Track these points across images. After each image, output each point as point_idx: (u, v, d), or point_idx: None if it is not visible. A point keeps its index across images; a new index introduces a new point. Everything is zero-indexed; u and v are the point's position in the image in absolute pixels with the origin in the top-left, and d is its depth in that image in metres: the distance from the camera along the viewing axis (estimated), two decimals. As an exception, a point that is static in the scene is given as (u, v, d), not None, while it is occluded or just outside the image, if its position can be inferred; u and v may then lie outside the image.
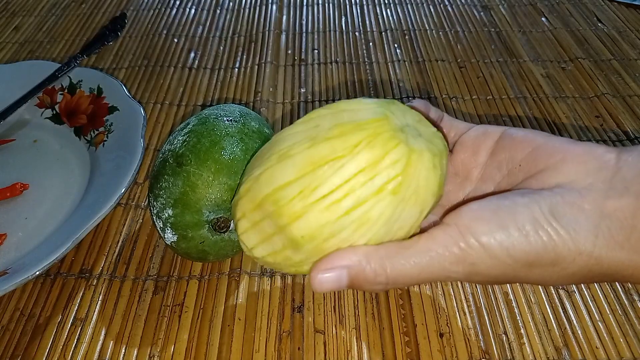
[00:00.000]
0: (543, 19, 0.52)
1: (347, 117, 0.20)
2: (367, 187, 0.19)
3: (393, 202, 0.19)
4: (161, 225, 0.26)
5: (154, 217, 0.27)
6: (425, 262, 0.19)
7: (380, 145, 0.19)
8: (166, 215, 0.26)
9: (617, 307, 0.28)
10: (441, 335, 0.27)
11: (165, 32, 0.51)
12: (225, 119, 0.28)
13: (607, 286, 0.29)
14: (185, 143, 0.26)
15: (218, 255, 0.27)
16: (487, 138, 0.23)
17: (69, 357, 0.27)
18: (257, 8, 0.55)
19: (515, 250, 0.18)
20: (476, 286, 0.29)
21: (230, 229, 0.26)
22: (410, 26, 0.51)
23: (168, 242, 0.27)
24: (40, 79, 0.39)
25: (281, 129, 0.40)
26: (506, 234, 0.18)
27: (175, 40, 0.50)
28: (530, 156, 0.21)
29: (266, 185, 0.20)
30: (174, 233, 0.26)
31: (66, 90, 0.40)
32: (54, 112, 0.40)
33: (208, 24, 0.52)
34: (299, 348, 0.26)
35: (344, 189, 0.19)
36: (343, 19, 0.52)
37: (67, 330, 0.28)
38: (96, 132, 0.37)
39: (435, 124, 0.25)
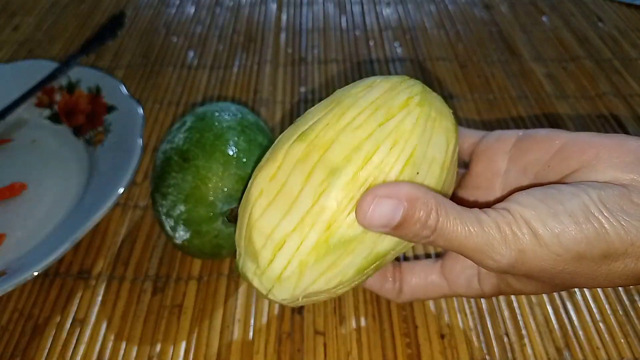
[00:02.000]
0: (544, 18, 0.52)
1: (379, 79, 0.21)
2: (393, 100, 0.19)
3: (422, 114, 0.19)
4: (172, 224, 0.26)
5: (164, 217, 0.26)
6: (476, 231, 0.18)
7: (395, 79, 0.20)
8: (178, 212, 0.25)
9: (618, 308, 0.28)
10: (442, 336, 0.27)
11: (164, 30, 0.51)
12: (223, 113, 0.28)
13: (608, 287, 0.29)
14: (188, 139, 0.26)
15: (232, 248, 0.27)
16: (501, 143, 0.22)
17: (68, 358, 0.26)
18: (257, 6, 0.54)
19: (565, 237, 0.17)
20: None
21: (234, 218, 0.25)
22: (410, 25, 0.51)
23: (179, 241, 0.26)
24: (39, 78, 0.39)
25: (281, 127, 0.40)
26: (557, 220, 0.17)
27: (174, 38, 0.50)
28: (560, 155, 0.20)
29: (289, 137, 0.20)
30: (187, 230, 0.26)
31: (65, 90, 0.40)
32: (53, 111, 0.40)
33: (207, 22, 0.52)
34: (298, 350, 0.26)
35: (372, 107, 0.19)
36: (343, 18, 0.52)
37: (66, 331, 0.28)
38: (95, 132, 0.37)
39: None
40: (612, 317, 0.28)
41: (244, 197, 0.21)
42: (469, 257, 0.19)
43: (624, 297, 0.28)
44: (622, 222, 0.17)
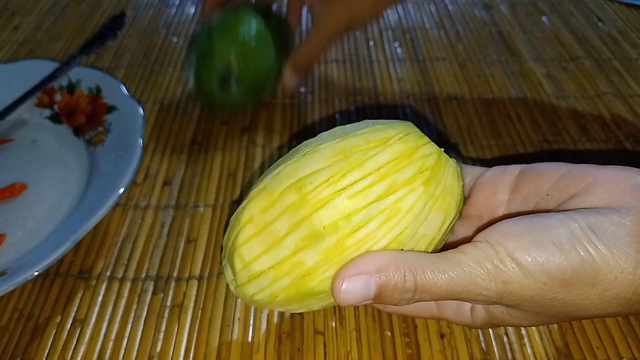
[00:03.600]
0: (544, 18, 0.52)
1: (373, 123, 0.20)
2: (400, 173, 0.18)
3: (424, 195, 0.19)
4: (189, 74, 0.37)
5: (187, 68, 0.37)
6: (456, 275, 0.18)
7: (413, 140, 0.19)
8: (194, 65, 0.36)
9: (618, 308, 0.28)
10: (442, 336, 0.27)
11: (164, 31, 0.51)
12: (251, 18, 0.36)
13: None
14: (215, 22, 0.36)
15: (221, 106, 0.39)
16: (505, 175, 0.22)
17: (69, 358, 0.26)
18: (257, 7, 0.54)
19: (550, 266, 0.17)
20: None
21: (231, 86, 0.35)
22: (410, 25, 0.51)
23: (190, 85, 0.38)
24: (40, 78, 0.39)
25: (281, 128, 0.40)
26: (541, 249, 0.17)
27: (175, 39, 0.50)
28: (558, 184, 0.20)
29: (288, 177, 0.19)
30: (194, 81, 0.36)
31: (65, 90, 0.40)
32: (53, 111, 0.40)
33: (208, 23, 0.52)
34: (298, 349, 0.26)
35: (376, 175, 0.18)
36: (343, 18, 0.52)
37: (67, 331, 0.28)
38: (95, 132, 0.37)
39: None
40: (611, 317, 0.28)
41: (239, 208, 0.21)
42: (460, 299, 0.19)
43: (624, 297, 0.28)
44: (613, 249, 0.17)
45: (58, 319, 0.28)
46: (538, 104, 0.42)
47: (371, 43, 0.49)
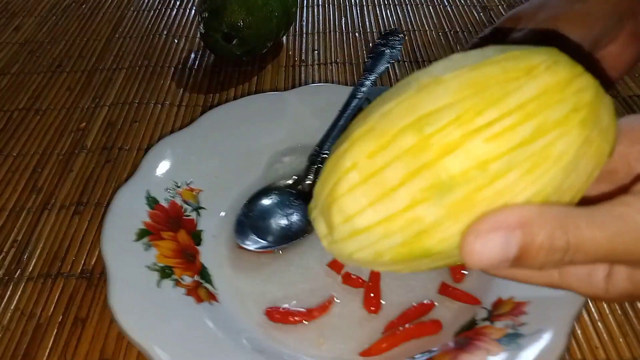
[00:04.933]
0: (543, 19, 0.52)
1: (505, 49, 0.16)
2: (552, 111, 0.15)
3: (579, 138, 0.15)
4: (201, 19, 0.42)
5: (199, 16, 0.42)
6: (618, 229, 0.15)
7: (565, 70, 0.15)
8: (204, 15, 0.41)
9: (617, 307, 0.28)
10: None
11: (165, 32, 0.51)
12: None
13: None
14: None
15: (223, 53, 0.43)
16: None
17: (70, 358, 0.27)
18: (257, 9, 0.55)
19: None
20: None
21: (233, 42, 0.41)
22: (409, 27, 0.51)
23: (201, 30, 0.42)
24: (329, 102, 0.37)
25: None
26: None
27: (176, 40, 0.50)
28: None
29: (404, 116, 0.15)
30: (204, 27, 0.42)
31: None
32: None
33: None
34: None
35: (521, 113, 0.14)
36: (343, 20, 0.53)
37: (68, 331, 0.28)
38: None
39: None
40: (610, 317, 0.28)
41: (337, 150, 0.17)
42: (619, 262, 0.16)
43: (623, 297, 0.29)
44: None
45: (59, 319, 0.28)
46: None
47: (371, 45, 0.49)
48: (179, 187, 0.32)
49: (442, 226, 0.15)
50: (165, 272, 0.28)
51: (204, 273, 0.29)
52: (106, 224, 0.29)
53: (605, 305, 0.28)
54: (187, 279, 0.28)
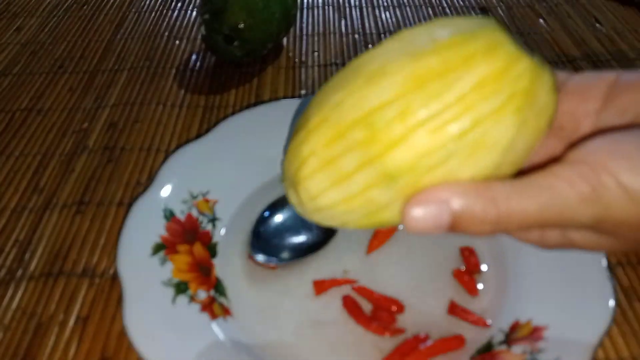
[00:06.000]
0: (541, 20, 0.53)
1: (447, 32, 0.17)
2: (487, 103, 0.16)
3: (514, 123, 0.16)
4: (202, 20, 0.41)
5: (201, 17, 0.41)
6: (547, 200, 0.16)
7: (502, 57, 0.16)
8: (206, 17, 0.41)
9: (617, 307, 0.28)
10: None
11: (167, 33, 0.51)
12: None
13: (605, 285, 0.29)
14: None
15: (223, 57, 0.43)
16: (598, 81, 0.19)
17: (71, 356, 0.27)
18: (258, 10, 0.55)
19: None
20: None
21: (234, 45, 0.41)
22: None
23: (202, 33, 0.42)
24: None
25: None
26: None
27: (177, 42, 0.50)
28: None
29: (354, 108, 0.17)
30: (205, 29, 0.41)
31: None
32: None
33: (209, 25, 0.53)
34: None
35: (459, 106, 0.15)
36: (343, 22, 0.53)
37: (69, 329, 0.28)
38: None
39: None
40: (609, 315, 0.28)
41: (296, 136, 0.19)
42: (550, 226, 0.17)
43: (622, 296, 0.29)
44: None
45: (61, 317, 0.28)
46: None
47: (370, 46, 0.49)
48: (195, 198, 0.32)
49: (394, 204, 0.17)
50: (180, 288, 0.27)
51: (218, 287, 0.29)
52: (122, 239, 0.28)
53: (604, 304, 0.28)
54: (202, 294, 0.28)
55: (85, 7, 0.56)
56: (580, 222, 0.16)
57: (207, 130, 0.35)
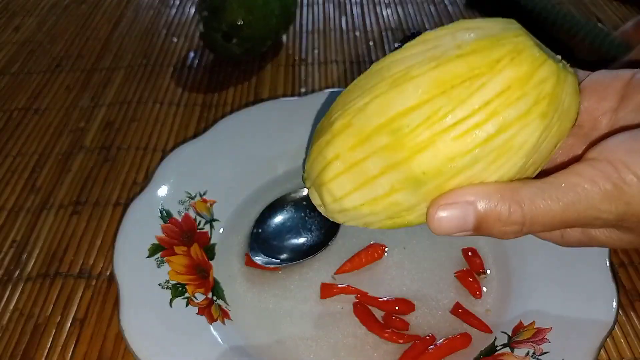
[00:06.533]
0: (543, 18, 0.52)
1: (474, 35, 0.17)
2: (513, 108, 0.16)
3: (539, 127, 0.16)
4: (201, 18, 0.41)
5: (199, 15, 0.42)
6: (571, 199, 0.16)
7: (528, 61, 0.16)
8: (205, 14, 0.41)
9: (617, 308, 0.28)
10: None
11: (164, 31, 0.51)
12: None
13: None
14: None
15: (221, 54, 0.44)
16: (615, 80, 0.19)
17: (68, 358, 0.26)
18: (257, 8, 0.55)
19: None
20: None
21: (233, 42, 0.41)
22: (410, 26, 0.51)
23: (200, 30, 0.42)
24: None
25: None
26: None
27: (175, 39, 0.50)
28: None
29: (378, 114, 0.17)
30: (203, 26, 0.41)
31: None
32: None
33: (208, 23, 0.52)
34: None
35: (485, 112, 0.16)
36: (343, 19, 0.52)
37: (67, 331, 0.28)
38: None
39: None
40: (611, 316, 0.27)
41: (320, 139, 0.19)
42: (574, 227, 0.17)
43: (625, 297, 0.28)
44: None
45: (58, 319, 0.28)
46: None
47: (371, 44, 0.49)
48: (192, 198, 0.31)
49: (418, 207, 0.17)
50: (177, 290, 0.27)
51: (216, 289, 0.28)
52: (119, 241, 0.28)
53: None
54: (200, 297, 0.27)
55: (83, 5, 0.56)
56: (603, 220, 0.17)
57: (205, 129, 0.35)
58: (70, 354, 0.27)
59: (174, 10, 0.54)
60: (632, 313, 0.28)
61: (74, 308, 0.29)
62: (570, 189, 0.16)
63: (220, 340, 0.26)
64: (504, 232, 0.17)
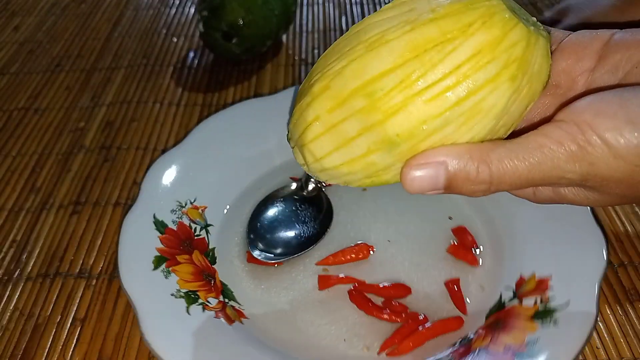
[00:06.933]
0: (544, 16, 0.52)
1: None
2: (483, 72, 0.16)
3: (509, 90, 0.17)
4: (200, 17, 0.41)
5: (199, 14, 0.42)
6: (537, 159, 0.17)
7: (498, 25, 0.17)
8: (204, 13, 0.41)
9: (618, 308, 0.28)
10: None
11: (164, 31, 0.51)
12: None
13: (607, 286, 0.29)
14: None
15: (221, 54, 0.44)
16: (593, 40, 0.19)
17: (69, 357, 0.26)
18: (257, 7, 0.54)
19: None
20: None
21: (232, 42, 0.41)
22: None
23: (200, 30, 0.42)
24: None
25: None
26: (636, 129, 0.16)
27: (175, 39, 0.50)
28: None
29: (354, 77, 0.17)
30: (203, 26, 0.41)
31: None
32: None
33: (208, 23, 0.52)
34: None
35: (456, 76, 0.16)
36: (343, 18, 0.52)
37: (67, 330, 0.28)
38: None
39: None
40: (611, 317, 0.28)
41: (302, 101, 0.20)
42: (540, 185, 0.18)
43: (624, 297, 0.28)
44: None
45: (58, 318, 0.28)
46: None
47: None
48: (183, 206, 0.31)
49: (394, 167, 0.18)
50: (190, 298, 0.27)
51: (226, 292, 0.29)
52: (121, 257, 0.28)
53: (606, 306, 0.28)
54: (213, 301, 0.27)
55: (83, 4, 0.56)
56: (568, 180, 0.17)
57: (186, 135, 0.34)
58: (70, 354, 0.27)
59: (173, 10, 0.54)
60: (631, 313, 0.28)
61: (74, 308, 0.29)
62: (537, 149, 0.17)
63: (244, 338, 0.26)
64: (473, 191, 0.18)
